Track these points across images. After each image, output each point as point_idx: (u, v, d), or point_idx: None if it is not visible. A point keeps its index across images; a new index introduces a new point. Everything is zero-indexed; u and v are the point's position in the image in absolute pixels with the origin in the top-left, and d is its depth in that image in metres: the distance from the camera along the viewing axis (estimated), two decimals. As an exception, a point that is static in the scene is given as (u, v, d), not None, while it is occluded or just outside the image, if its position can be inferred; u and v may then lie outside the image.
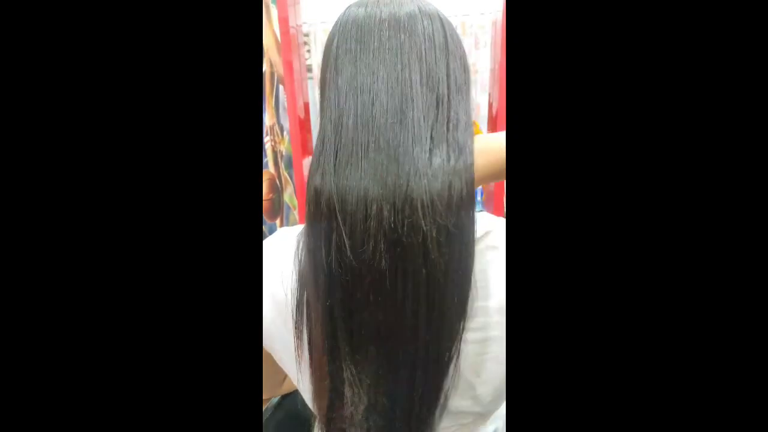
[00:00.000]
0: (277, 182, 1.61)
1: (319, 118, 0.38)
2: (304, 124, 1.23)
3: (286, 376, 0.58)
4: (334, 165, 0.33)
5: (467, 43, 1.28)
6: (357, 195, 0.31)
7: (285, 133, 1.61)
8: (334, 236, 0.32)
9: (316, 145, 0.35)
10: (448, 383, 0.36)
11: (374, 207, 0.31)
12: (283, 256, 0.39)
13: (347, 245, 0.31)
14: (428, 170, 0.32)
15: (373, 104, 0.33)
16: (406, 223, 0.31)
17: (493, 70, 1.23)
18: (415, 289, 0.32)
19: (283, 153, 1.62)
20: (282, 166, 1.63)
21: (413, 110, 0.33)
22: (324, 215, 0.33)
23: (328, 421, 0.39)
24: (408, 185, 0.31)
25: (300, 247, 0.36)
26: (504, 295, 0.36)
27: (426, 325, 0.33)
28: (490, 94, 1.33)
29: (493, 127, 1.31)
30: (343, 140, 0.33)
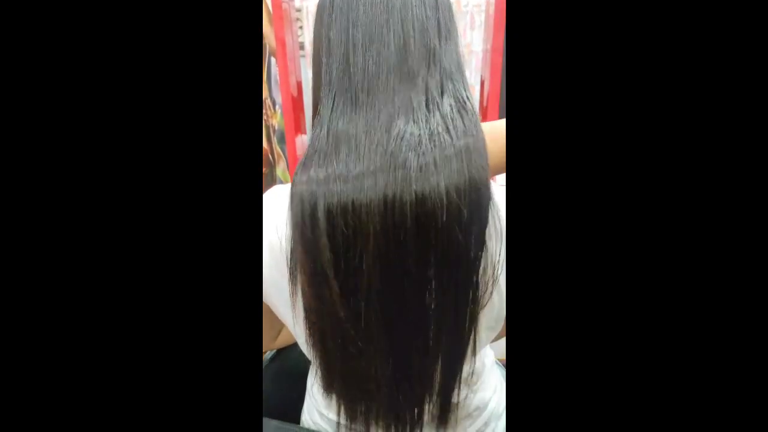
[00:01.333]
0: (270, 157, 1.62)
1: (312, 97, 0.40)
2: (297, 103, 1.23)
3: (281, 329, 0.61)
4: (330, 114, 0.35)
5: (462, 24, 1.27)
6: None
7: (277, 107, 1.60)
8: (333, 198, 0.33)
9: (314, 101, 0.37)
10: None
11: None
12: (278, 207, 0.42)
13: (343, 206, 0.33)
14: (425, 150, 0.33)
15: (368, 54, 0.34)
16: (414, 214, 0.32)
17: (485, 51, 1.23)
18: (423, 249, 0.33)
19: (276, 128, 1.62)
20: (274, 140, 1.63)
21: (409, 60, 0.34)
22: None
23: (325, 369, 0.41)
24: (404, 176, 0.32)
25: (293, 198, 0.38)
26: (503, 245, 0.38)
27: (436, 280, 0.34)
28: (482, 77, 1.33)
29: (483, 111, 1.32)
30: (342, 86, 0.35)
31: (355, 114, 0.34)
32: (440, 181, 0.32)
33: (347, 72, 0.35)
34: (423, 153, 0.33)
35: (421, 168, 0.32)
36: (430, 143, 0.33)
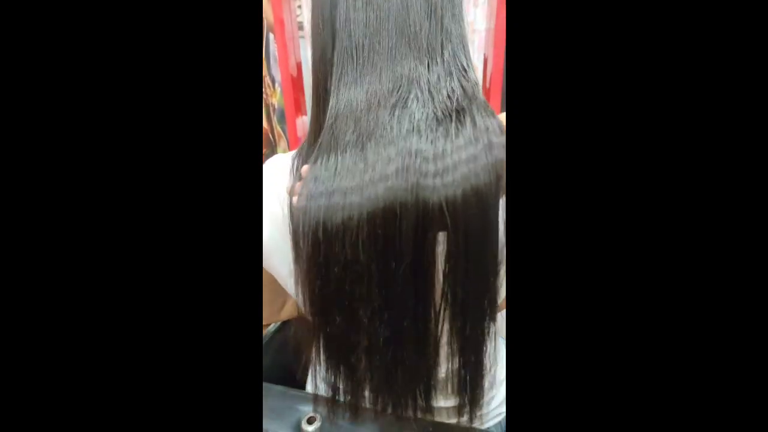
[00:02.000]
0: (270, 137, 1.60)
1: (312, 79, 0.40)
2: (297, 84, 1.21)
3: (285, 301, 0.62)
4: (335, 86, 0.35)
5: (465, 1, 1.22)
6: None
7: (276, 85, 1.57)
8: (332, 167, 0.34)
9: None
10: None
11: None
12: (278, 176, 0.42)
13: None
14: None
15: (372, 16, 0.34)
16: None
17: (488, 30, 1.19)
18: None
19: (275, 106, 1.59)
20: (274, 119, 1.61)
21: (409, 22, 0.34)
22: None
23: (327, 336, 0.41)
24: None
25: (295, 164, 0.39)
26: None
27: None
28: (485, 55, 1.30)
29: (486, 92, 1.30)
30: (343, 56, 0.35)
31: (357, 86, 0.34)
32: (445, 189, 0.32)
33: (350, 36, 0.34)
34: (426, 158, 0.33)
35: (425, 174, 0.32)
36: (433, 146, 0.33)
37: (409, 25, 0.34)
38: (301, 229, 0.35)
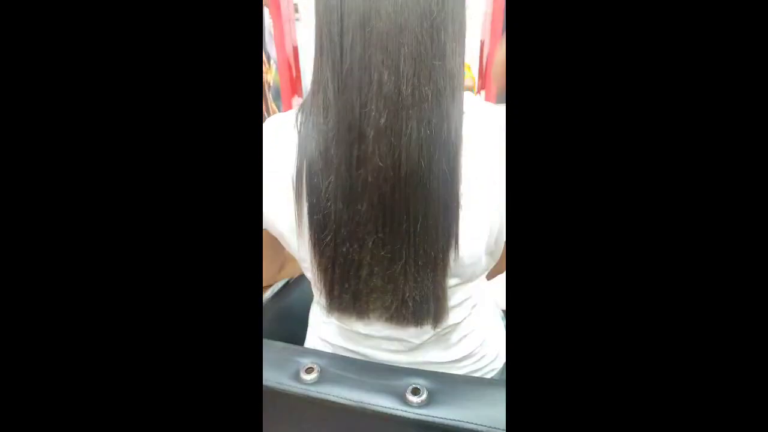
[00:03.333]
0: (266, 114, 1.61)
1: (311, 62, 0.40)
2: (292, 66, 1.22)
3: (284, 261, 0.63)
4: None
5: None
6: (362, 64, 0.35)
7: (272, 62, 1.57)
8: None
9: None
10: (455, 227, 0.39)
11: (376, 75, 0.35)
12: (279, 135, 0.43)
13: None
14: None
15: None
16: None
17: (485, 14, 1.20)
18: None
19: (271, 84, 1.60)
20: (270, 97, 1.61)
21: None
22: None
23: (329, 288, 0.42)
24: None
25: (300, 118, 0.40)
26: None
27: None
28: (482, 39, 1.31)
29: (482, 75, 1.31)
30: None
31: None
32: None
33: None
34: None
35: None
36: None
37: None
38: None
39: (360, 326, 0.47)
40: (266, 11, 1.48)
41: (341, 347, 0.52)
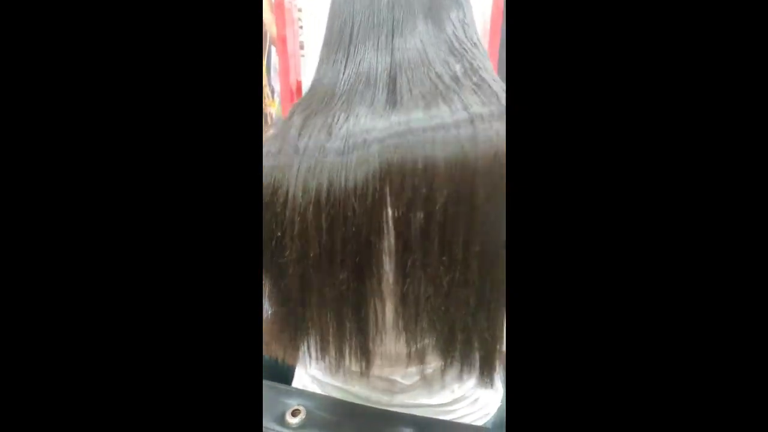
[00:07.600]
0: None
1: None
2: (295, 98, 1.25)
3: None
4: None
5: None
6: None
7: (275, 95, 1.61)
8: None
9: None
10: None
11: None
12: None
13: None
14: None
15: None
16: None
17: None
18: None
19: (273, 116, 1.63)
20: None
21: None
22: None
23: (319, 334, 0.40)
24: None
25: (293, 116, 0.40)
26: None
27: None
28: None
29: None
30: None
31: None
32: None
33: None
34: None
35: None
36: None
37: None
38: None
39: (353, 365, 0.46)
40: (273, 50, 1.53)
41: (330, 385, 0.51)
